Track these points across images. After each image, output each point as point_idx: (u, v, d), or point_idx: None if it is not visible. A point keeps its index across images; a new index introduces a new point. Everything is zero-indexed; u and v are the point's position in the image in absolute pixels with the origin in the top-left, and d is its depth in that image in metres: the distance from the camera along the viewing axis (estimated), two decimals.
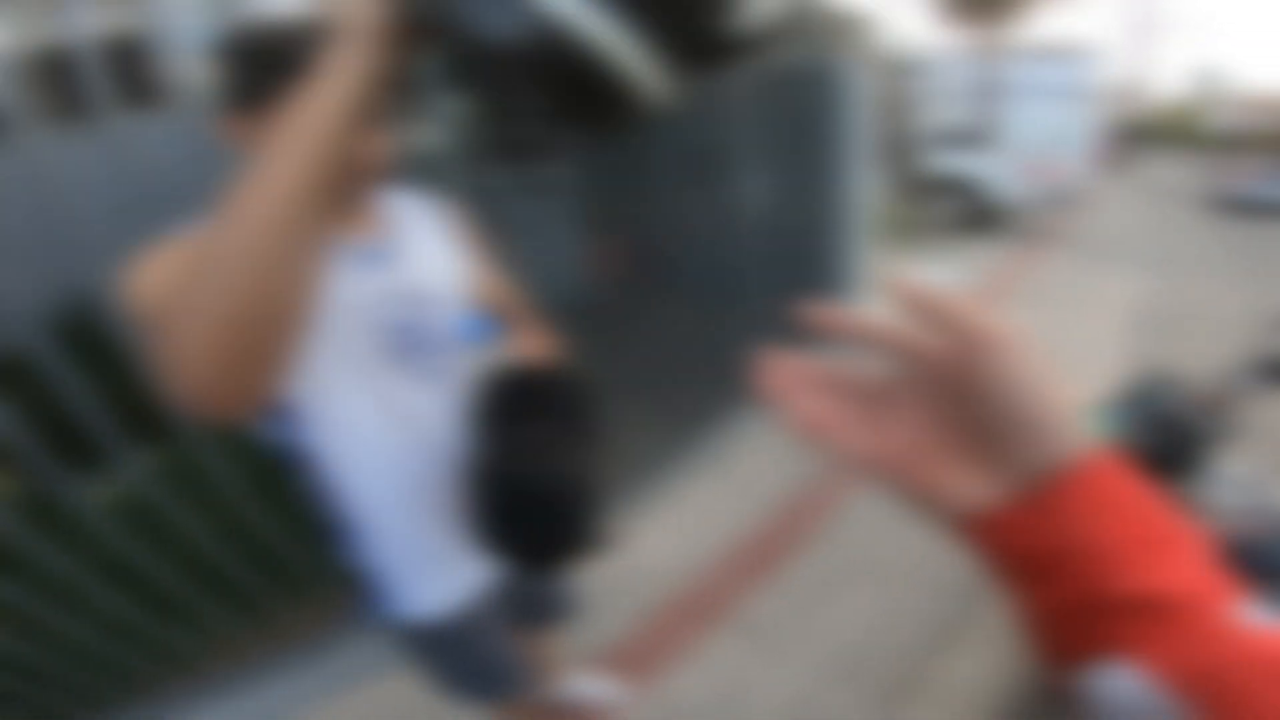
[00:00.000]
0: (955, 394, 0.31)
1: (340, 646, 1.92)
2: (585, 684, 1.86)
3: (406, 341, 0.87)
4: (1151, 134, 36.42)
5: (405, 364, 0.87)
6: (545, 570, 0.95)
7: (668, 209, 2.56)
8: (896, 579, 2.36)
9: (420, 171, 1.63)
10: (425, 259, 0.92)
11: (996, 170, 9.38)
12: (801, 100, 3.39)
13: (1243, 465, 1.62)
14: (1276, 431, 2.76)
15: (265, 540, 1.69)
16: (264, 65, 0.66)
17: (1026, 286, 6.53)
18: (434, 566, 0.99)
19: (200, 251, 0.52)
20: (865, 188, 4.13)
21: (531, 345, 1.10)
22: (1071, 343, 4.87)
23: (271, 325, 0.52)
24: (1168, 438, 1.54)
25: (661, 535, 2.62)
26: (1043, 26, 14.16)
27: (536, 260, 2.16)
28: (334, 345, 0.77)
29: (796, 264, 3.62)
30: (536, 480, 0.77)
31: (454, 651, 1.10)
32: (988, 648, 2.05)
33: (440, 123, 1.91)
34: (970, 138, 10.93)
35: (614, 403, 2.61)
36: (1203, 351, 4.70)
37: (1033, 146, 11.24)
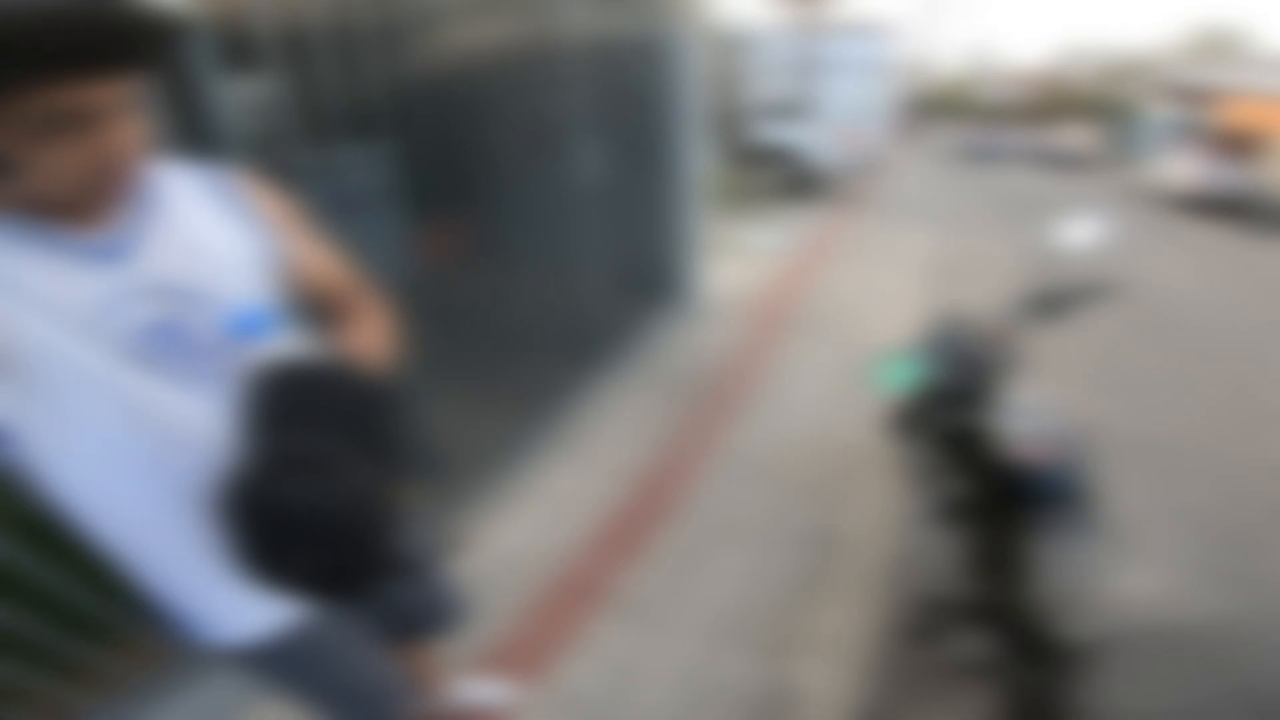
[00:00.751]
0: None
1: (181, 688, 1.71)
2: (475, 689, 1.77)
3: (160, 342, 0.77)
4: (937, 106, 42.07)
5: (161, 368, 0.77)
6: (325, 599, 0.80)
7: (503, 185, 2.46)
8: (759, 538, 2.50)
9: (228, 151, 1.46)
10: (190, 247, 0.82)
11: (814, 140, 10.21)
12: (634, 72, 3.42)
13: (1028, 393, 1.72)
14: (1050, 360, 3.38)
15: (43, 586, 1.43)
16: None
17: (842, 244, 7.24)
18: (235, 585, 0.85)
19: None
20: (698, 157, 4.29)
21: (367, 330, 1.01)
22: (883, 291, 5.50)
23: None
24: (966, 374, 1.70)
25: (524, 522, 2.58)
26: (856, 5, 15.38)
27: (365, 244, 1.99)
28: (59, 356, 0.69)
29: (634, 233, 3.70)
30: (293, 500, 0.66)
31: (307, 673, 1.01)
32: (852, 594, 2.22)
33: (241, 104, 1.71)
34: (792, 109, 11.79)
35: (458, 387, 2.53)
36: (984, 290, 5.57)
37: (844, 117, 12.42)
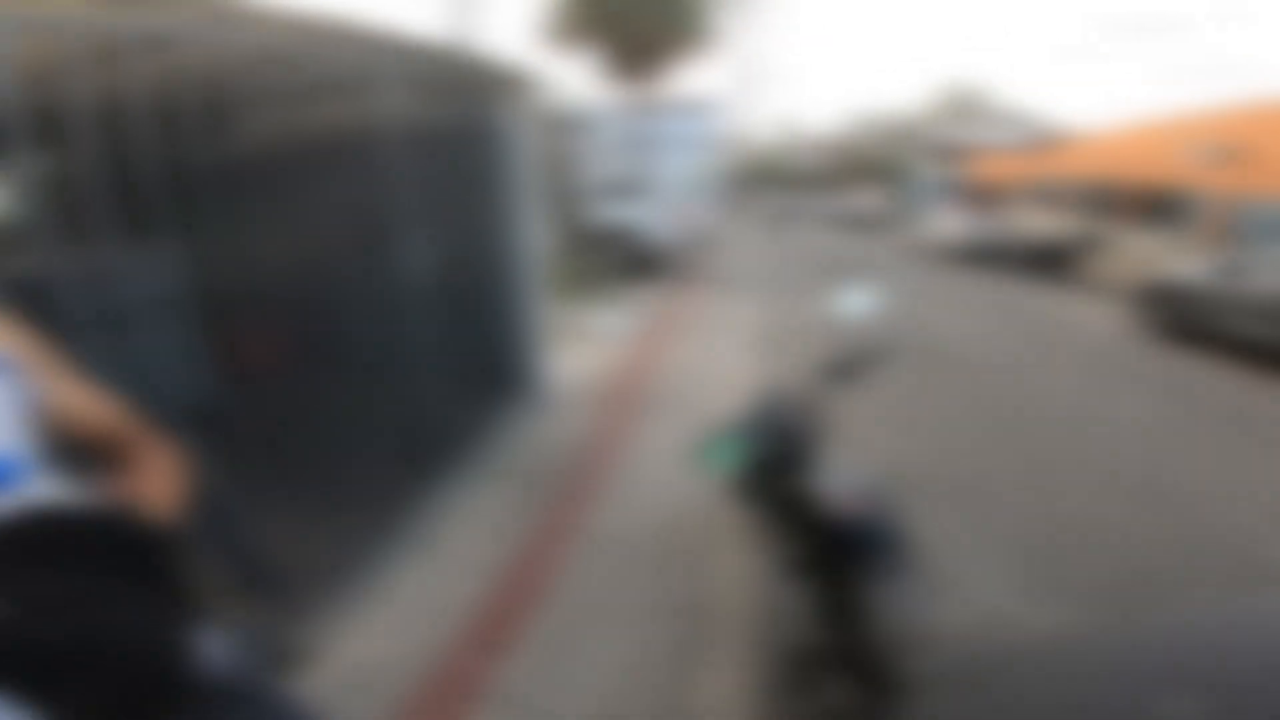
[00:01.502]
0: None
1: None
2: None
3: None
4: (754, 175, 46.47)
5: None
6: None
7: (321, 283, 2.31)
8: (627, 616, 2.52)
9: None
10: None
11: (648, 217, 10.88)
12: (464, 158, 3.43)
13: (839, 454, 1.88)
14: (852, 422, 3.72)
15: None
16: None
17: (681, 321, 7.73)
18: None
19: None
20: (535, 241, 4.39)
21: (146, 474, 0.95)
22: (721, 365, 5.89)
23: None
24: (784, 443, 1.81)
25: (383, 626, 2.43)
26: (685, 83, 16.73)
27: (148, 361, 1.75)
28: None
29: (473, 325, 3.64)
30: (42, 640, 0.63)
31: None
32: (724, 658, 2.28)
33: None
34: (626, 188, 12.46)
35: (290, 499, 2.26)
36: (804, 357, 6.16)
37: (675, 192, 13.37)
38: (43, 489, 0.75)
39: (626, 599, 2.62)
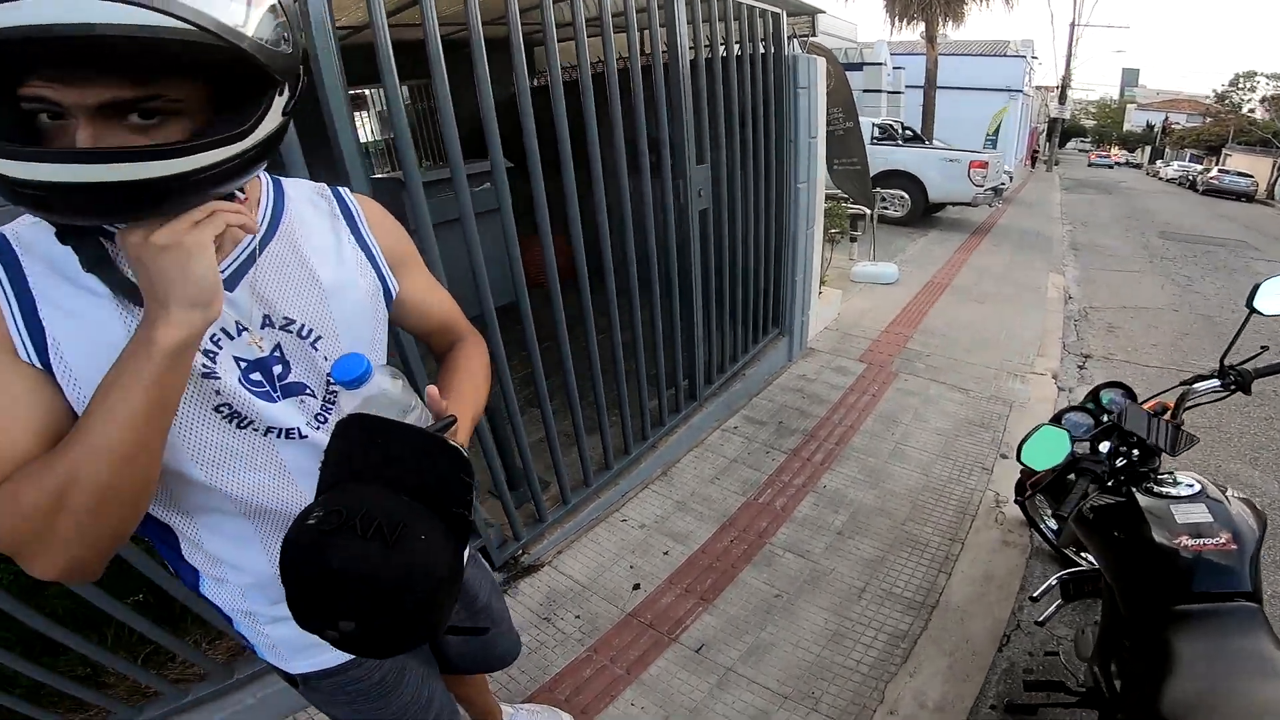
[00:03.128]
0: None
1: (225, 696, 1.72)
2: (528, 715, 1.78)
3: (262, 376, 0.77)
4: (1077, 131, 38.96)
5: (259, 403, 0.76)
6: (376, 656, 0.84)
7: (610, 203, 2.38)
8: (841, 595, 2.36)
9: None
10: (305, 272, 0.82)
11: (939, 165, 9.49)
12: (751, 89, 3.24)
13: (1195, 473, 1.54)
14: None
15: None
16: None
17: (964, 278, 6.63)
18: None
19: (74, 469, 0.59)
20: (814, 182, 4.04)
21: (471, 372, 0.99)
22: (1009, 335, 4.93)
23: (137, 512, 0.67)
24: (1124, 447, 1.49)
25: (597, 555, 2.57)
26: (994, 28, 14.45)
27: (477, 266, 1.98)
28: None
29: (743, 260, 3.49)
30: (343, 565, 0.61)
31: (362, 702, 0.99)
32: (947, 661, 2.05)
33: None
34: (917, 132, 11.21)
35: (556, 413, 2.50)
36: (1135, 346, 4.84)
37: (969, 141, 11.39)
38: (385, 386, 0.76)
39: (840, 572, 2.39)
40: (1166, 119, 45.43)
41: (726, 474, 3.05)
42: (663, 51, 2.53)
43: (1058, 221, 11.96)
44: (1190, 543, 1.25)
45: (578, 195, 2.22)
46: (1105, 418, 1.63)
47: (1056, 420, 1.73)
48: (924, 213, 9.72)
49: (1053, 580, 1.76)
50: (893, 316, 5.29)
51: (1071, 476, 1.44)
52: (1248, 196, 21.48)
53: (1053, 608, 1.76)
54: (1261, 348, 1.62)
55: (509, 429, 2.29)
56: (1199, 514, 1.30)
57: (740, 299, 3.51)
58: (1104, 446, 1.48)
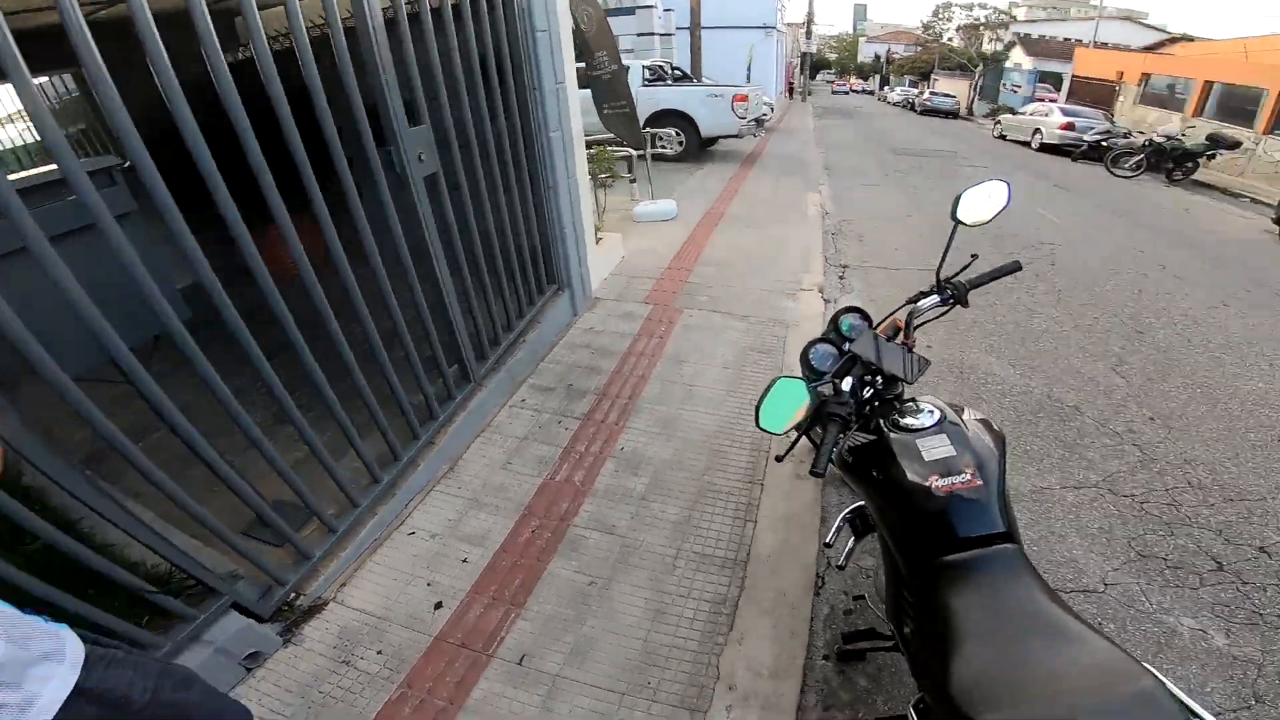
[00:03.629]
0: None
1: None
2: None
3: None
4: (826, 63, 43.45)
5: None
6: None
7: (325, 183, 1.94)
8: (648, 572, 2.24)
9: None
10: None
11: (708, 100, 9.76)
12: (477, 38, 2.80)
13: (938, 398, 1.55)
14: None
15: None
16: None
17: (739, 207, 6.91)
18: None
19: None
20: (570, 128, 3.74)
21: None
22: (781, 259, 5.18)
23: None
24: (867, 383, 1.48)
25: (381, 588, 2.17)
26: None
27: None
28: None
29: (498, 216, 3.16)
30: None
31: None
32: (772, 617, 2.02)
33: None
34: (683, 71, 11.42)
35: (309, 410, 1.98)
36: (880, 251, 5.33)
37: (736, 76, 11.94)
38: None
39: (650, 543, 2.25)
40: (889, 50, 52.20)
41: (519, 456, 2.75)
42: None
43: (812, 146, 13.13)
44: (941, 483, 1.23)
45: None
46: (847, 346, 1.58)
47: (806, 357, 1.66)
48: (698, 148, 10.02)
49: (839, 520, 1.73)
50: (675, 252, 5.29)
51: (818, 429, 1.34)
52: (953, 114, 25.61)
53: (848, 546, 1.71)
54: (972, 256, 1.65)
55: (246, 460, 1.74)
56: (943, 447, 1.29)
57: (503, 262, 3.14)
58: (848, 384, 1.40)
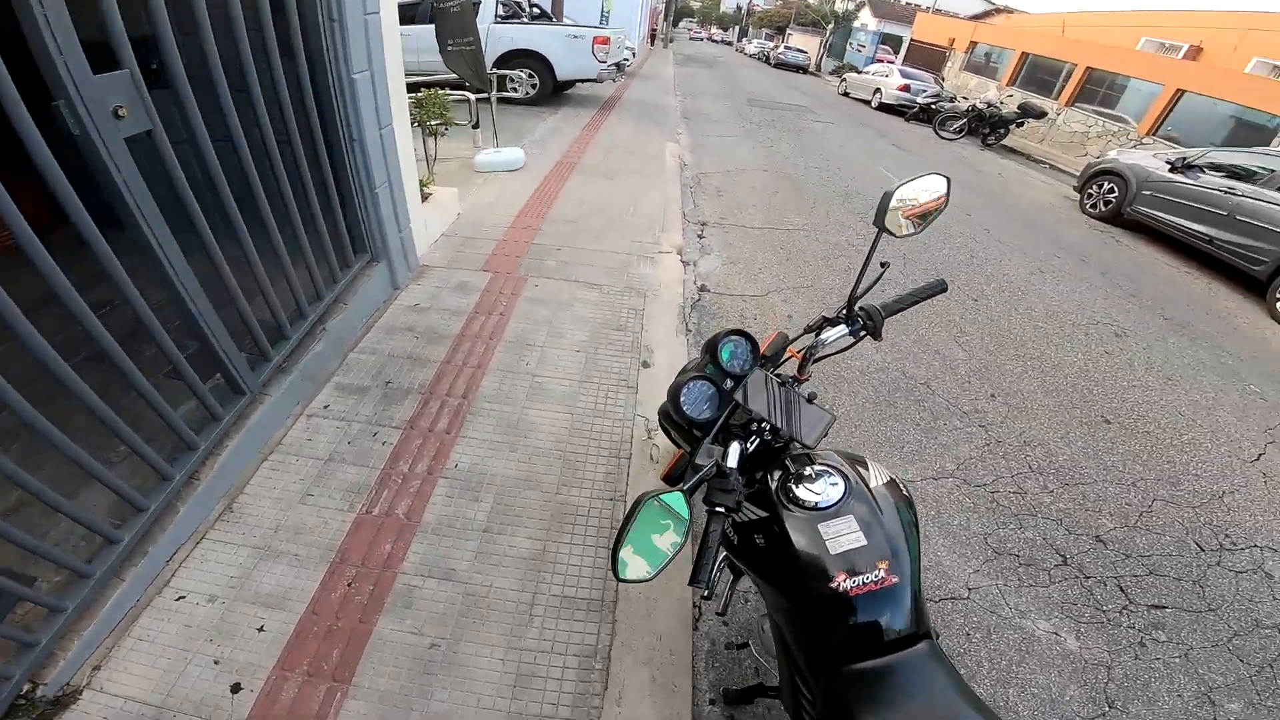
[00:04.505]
0: None
1: None
2: None
3: None
4: (685, 13, 43.08)
5: None
6: None
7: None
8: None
9: None
10: None
11: (563, 43, 8.95)
12: None
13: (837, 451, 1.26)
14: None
15: None
16: None
17: (593, 157, 6.38)
18: None
19: None
20: (389, 75, 2.99)
21: None
22: (638, 214, 4.80)
23: None
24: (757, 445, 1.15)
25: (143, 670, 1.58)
26: None
27: None
28: None
29: (291, 181, 2.42)
30: None
31: None
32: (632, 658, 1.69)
33: None
34: (535, 11, 10.37)
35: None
36: (735, 206, 5.13)
37: (591, 19, 11.12)
38: None
39: (500, 587, 1.85)
40: (751, 2, 52.61)
41: (322, 484, 2.15)
42: None
43: (672, 93, 12.73)
44: (849, 584, 0.98)
45: None
46: (728, 383, 1.18)
47: (675, 398, 1.13)
48: (553, 91, 9.20)
49: (714, 562, 1.40)
50: (521, 206, 4.68)
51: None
52: (804, 69, 26.46)
53: (726, 589, 1.46)
54: (882, 265, 1.28)
55: None
56: (850, 535, 1.02)
57: (283, 236, 2.40)
58: (735, 453, 1.03)
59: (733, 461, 1.00)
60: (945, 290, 1.33)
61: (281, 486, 2.14)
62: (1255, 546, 2.46)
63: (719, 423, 1.08)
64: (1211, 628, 2.09)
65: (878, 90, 15.88)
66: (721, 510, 0.93)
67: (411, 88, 4.21)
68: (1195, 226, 6.21)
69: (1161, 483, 2.76)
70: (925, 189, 1.21)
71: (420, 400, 2.56)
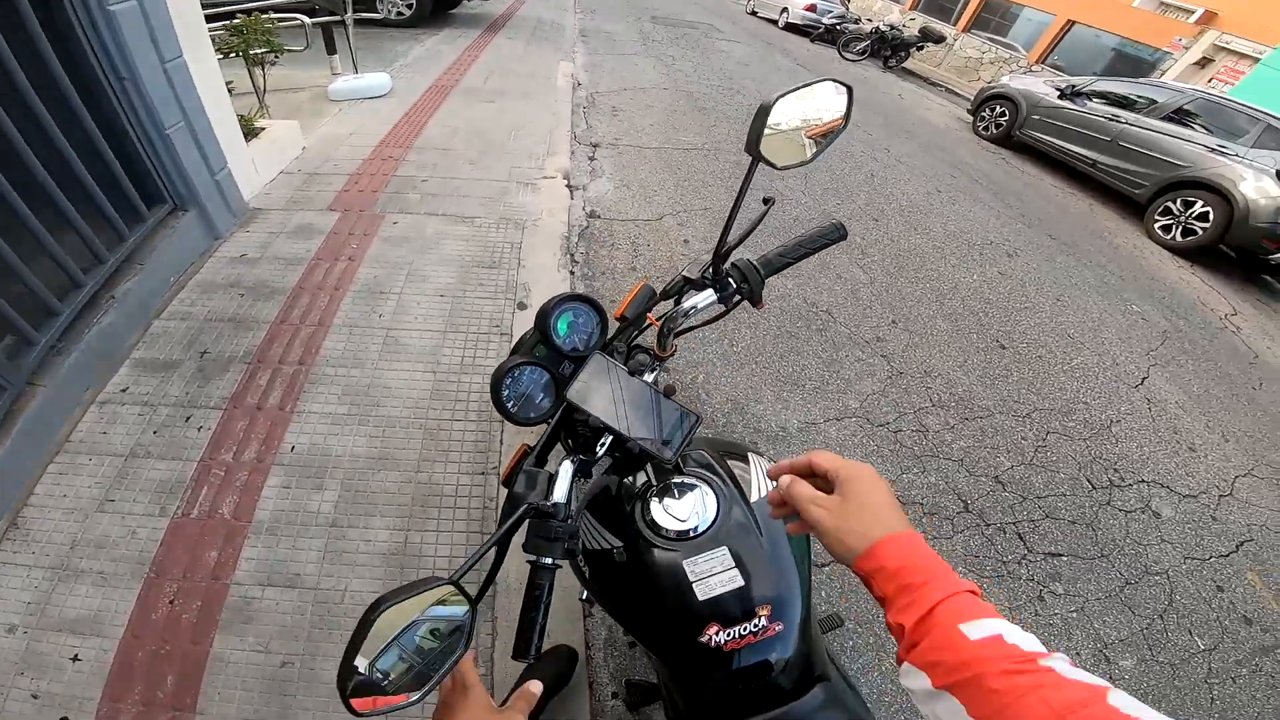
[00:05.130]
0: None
1: None
2: None
3: None
4: None
5: None
6: None
7: None
8: None
9: None
10: None
11: None
12: None
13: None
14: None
15: None
16: None
17: (471, 81, 5.72)
18: None
19: None
20: None
21: None
22: (518, 141, 4.33)
23: None
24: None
25: None
26: None
27: None
28: None
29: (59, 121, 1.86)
30: None
31: None
32: None
33: None
34: None
35: None
36: (639, 128, 4.77)
37: None
38: None
39: (355, 590, 1.58)
40: None
41: (125, 485, 1.77)
42: None
43: (571, 11, 11.77)
44: (722, 638, 0.77)
45: None
46: (567, 366, 0.82)
47: (495, 391, 0.78)
48: (433, 10, 8.09)
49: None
50: (382, 136, 4.08)
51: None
52: None
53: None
54: (765, 201, 0.94)
55: None
56: (724, 573, 0.80)
57: (28, 200, 1.85)
58: (567, 474, 0.72)
59: (560, 494, 0.70)
60: (845, 237, 1.00)
61: (74, 493, 1.74)
62: (1142, 481, 2.52)
63: (547, 433, 0.78)
64: (1104, 576, 2.10)
65: (785, 10, 15.37)
66: (548, 563, 0.65)
67: (229, 15, 3.53)
68: (1080, 151, 6.44)
69: (1055, 414, 2.78)
70: (818, 104, 0.84)
71: (246, 371, 2.14)
